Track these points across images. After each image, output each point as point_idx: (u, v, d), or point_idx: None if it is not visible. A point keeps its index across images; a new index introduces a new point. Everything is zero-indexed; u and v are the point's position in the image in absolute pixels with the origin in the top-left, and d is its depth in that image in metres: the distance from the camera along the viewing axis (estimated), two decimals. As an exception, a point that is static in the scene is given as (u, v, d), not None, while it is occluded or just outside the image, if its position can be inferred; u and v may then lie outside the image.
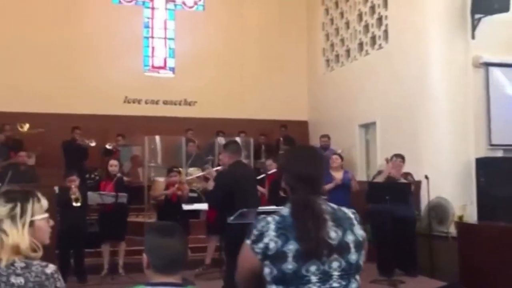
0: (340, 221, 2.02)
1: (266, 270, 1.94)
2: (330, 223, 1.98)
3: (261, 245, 1.94)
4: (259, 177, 7.72)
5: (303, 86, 13.16)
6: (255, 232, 1.97)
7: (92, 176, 9.88)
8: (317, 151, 2.31)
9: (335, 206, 2.08)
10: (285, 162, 2.16)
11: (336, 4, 12.21)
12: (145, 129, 11.11)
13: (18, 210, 1.93)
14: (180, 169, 8.47)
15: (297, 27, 13.19)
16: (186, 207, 6.82)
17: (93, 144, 10.20)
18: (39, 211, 2.00)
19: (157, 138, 10.70)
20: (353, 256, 2.00)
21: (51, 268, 1.95)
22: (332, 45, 12.42)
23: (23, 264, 1.89)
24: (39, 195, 2.07)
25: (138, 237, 8.29)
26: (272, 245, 1.92)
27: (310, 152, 2.24)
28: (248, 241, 1.98)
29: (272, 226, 1.95)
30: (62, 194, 6.69)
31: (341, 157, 7.98)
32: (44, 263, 1.95)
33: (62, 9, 11.66)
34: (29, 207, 1.96)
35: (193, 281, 2.29)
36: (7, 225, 1.89)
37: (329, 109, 12.04)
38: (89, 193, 6.82)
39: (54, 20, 11.58)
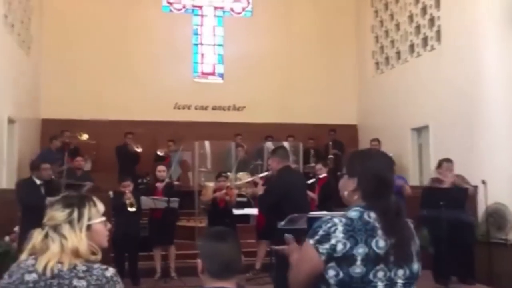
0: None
1: (331, 273, 1.90)
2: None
3: (327, 245, 1.90)
4: (308, 182, 7.67)
5: (352, 90, 13.00)
6: (320, 232, 1.92)
7: (144, 181, 10.13)
8: (388, 156, 2.23)
9: None
10: (362, 165, 2.08)
11: (386, 6, 12.01)
12: (195, 134, 11.27)
13: (75, 214, 1.98)
14: (228, 174, 8.53)
15: (346, 30, 13.06)
16: (236, 211, 6.86)
17: (139, 149, 10.43)
18: (96, 215, 2.05)
19: (207, 143, 10.82)
20: (415, 265, 1.99)
21: (111, 271, 1.99)
22: (381, 47, 12.21)
23: (84, 268, 1.94)
24: (95, 199, 2.12)
25: (189, 241, 8.43)
26: (340, 246, 1.88)
27: (382, 154, 2.20)
28: (311, 241, 1.93)
29: (340, 227, 1.91)
30: (117, 199, 6.86)
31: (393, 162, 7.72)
32: (104, 266, 1.99)
33: (118, 18, 12.02)
34: (86, 211, 2.01)
35: (244, 286, 2.27)
36: (65, 229, 1.95)
37: (379, 112, 11.83)
38: (143, 198, 6.96)
39: (110, 29, 11.95)
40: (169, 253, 7.40)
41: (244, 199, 8.54)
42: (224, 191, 7.27)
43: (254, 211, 7.03)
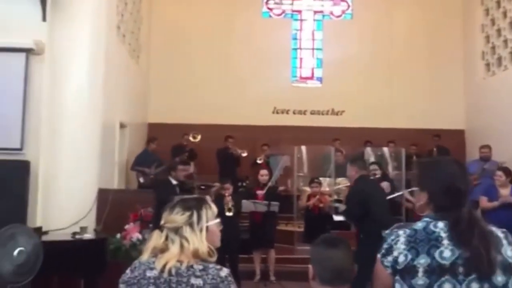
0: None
1: (397, 286, 1.88)
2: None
3: (390, 258, 1.91)
4: (410, 190, 7.42)
5: (459, 93, 12.37)
6: (385, 245, 1.95)
7: (244, 184, 10.34)
8: (460, 162, 2.14)
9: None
10: (431, 178, 2.02)
11: (498, 3, 11.28)
12: (293, 139, 11.34)
13: (195, 217, 2.07)
14: (321, 179, 8.47)
15: (452, 30, 12.46)
16: (336, 217, 6.78)
17: (244, 154, 10.68)
18: (211, 217, 2.14)
19: (303, 148, 10.82)
20: (499, 278, 1.84)
21: (225, 271, 2.06)
22: (493, 47, 11.48)
23: (201, 267, 2.02)
24: (209, 201, 2.21)
25: (287, 245, 8.48)
26: (401, 258, 1.87)
27: (455, 163, 2.08)
28: (379, 255, 1.95)
29: (402, 239, 1.91)
30: (217, 201, 7.06)
31: (506, 172, 7.09)
32: (218, 267, 2.07)
33: (219, 26, 12.43)
34: (204, 214, 2.10)
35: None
36: (186, 231, 2.05)
37: (489, 116, 11.12)
38: (243, 201, 7.11)
39: (211, 37, 12.39)
40: (269, 256, 7.48)
41: (344, 205, 8.41)
42: (317, 197, 7.22)
43: (355, 217, 6.89)
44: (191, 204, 2.11)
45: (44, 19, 6.90)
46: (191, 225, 2.06)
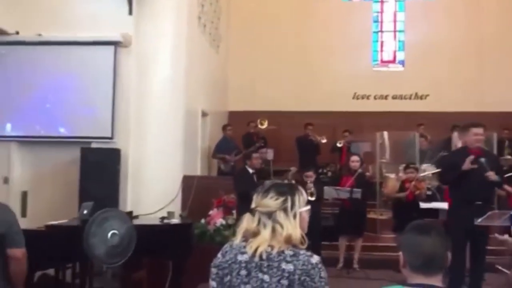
0: None
1: None
2: None
3: None
4: (506, 176, 7.03)
5: (557, 71, 11.48)
6: None
7: (325, 171, 10.26)
8: None
9: None
10: None
11: None
12: (374, 124, 11.05)
13: (289, 203, 2.07)
14: (420, 165, 8.19)
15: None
16: (423, 205, 6.56)
17: (324, 140, 10.57)
18: (303, 203, 2.13)
19: (385, 133, 10.52)
20: None
21: (315, 258, 2.05)
22: None
23: (291, 253, 2.02)
24: (301, 188, 2.20)
25: (370, 233, 8.33)
26: None
27: None
28: None
29: None
30: (299, 183, 7.06)
31: None
32: (309, 253, 2.06)
33: (297, 12, 12.34)
34: (297, 200, 2.09)
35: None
36: (280, 217, 2.05)
37: None
38: (326, 188, 7.06)
39: (289, 23, 12.33)
40: (356, 244, 7.40)
41: (429, 192, 8.12)
42: (413, 183, 7.00)
43: (443, 205, 6.62)
44: (285, 190, 2.11)
45: (130, 13, 7.22)
46: (285, 210, 2.05)
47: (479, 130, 5.31)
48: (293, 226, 2.03)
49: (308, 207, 2.15)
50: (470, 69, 11.84)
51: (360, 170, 7.34)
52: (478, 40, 11.88)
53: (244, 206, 6.43)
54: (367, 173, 7.46)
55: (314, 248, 7.01)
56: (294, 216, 2.05)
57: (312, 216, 6.83)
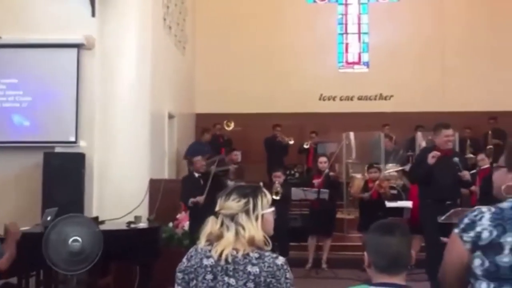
0: None
1: (477, 262, 1.82)
2: None
3: (471, 233, 1.84)
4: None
5: (514, 72, 11.86)
6: (465, 221, 1.88)
7: (292, 172, 10.34)
8: None
9: None
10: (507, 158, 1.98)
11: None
12: (340, 125, 11.20)
13: (251, 205, 2.08)
14: (380, 165, 8.32)
15: (506, 8, 11.91)
16: (389, 204, 6.68)
17: (291, 142, 10.66)
18: (266, 205, 2.13)
19: (351, 134, 10.68)
20: None
21: (281, 259, 2.06)
22: (551, 23, 10.92)
23: (257, 255, 2.03)
24: (265, 190, 2.21)
25: (338, 233, 8.43)
26: (485, 234, 1.81)
27: None
28: (456, 230, 1.89)
29: (487, 215, 1.85)
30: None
31: None
32: (274, 255, 2.07)
33: (263, 13, 12.36)
34: (259, 202, 2.10)
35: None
36: (242, 219, 2.05)
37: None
38: (293, 189, 7.10)
39: (256, 25, 12.35)
40: (325, 244, 7.46)
41: (395, 192, 8.28)
42: (377, 182, 7.11)
43: (407, 204, 6.78)
44: (247, 192, 2.12)
45: (93, 14, 7.11)
46: (247, 212, 2.06)
47: (449, 132, 5.46)
48: (255, 228, 2.03)
49: (272, 209, 2.16)
50: (432, 70, 12.10)
51: (327, 171, 7.41)
52: (441, 42, 12.15)
53: (194, 209, 6.53)
54: (331, 173, 7.51)
55: (282, 248, 7.10)
56: (257, 218, 2.06)
57: (279, 216, 6.82)
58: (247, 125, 11.58)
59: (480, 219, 1.86)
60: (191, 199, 6.73)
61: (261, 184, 7.53)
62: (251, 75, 12.24)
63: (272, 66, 12.28)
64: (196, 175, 7.06)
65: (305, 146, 10.72)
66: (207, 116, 11.74)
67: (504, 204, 1.89)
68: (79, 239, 4.32)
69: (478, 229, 1.84)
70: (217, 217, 2.10)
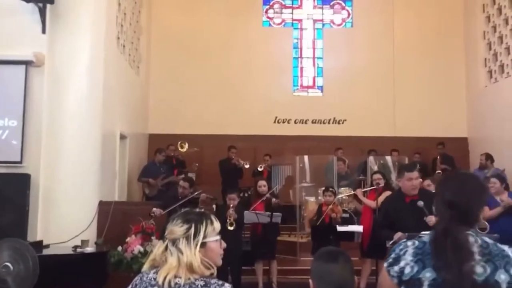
0: (493, 257, 1.89)
1: None
2: (477, 257, 1.86)
3: (396, 268, 1.92)
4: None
5: (462, 100, 12.41)
6: (392, 255, 1.96)
7: (246, 195, 10.32)
8: (475, 177, 2.17)
9: (489, 240, 1.96)
10: (436, 186, 2.14)
11: (499, 10, 11.32)
12: (295, 148, 11.34)
13: (192, 231, 2.07)
14: (337, 189, 8.45)
15: (454, 37, 12.51)
16: (340, 228, 6.77)
17: (247, 166, 10.68)
18: (211, 233, 2.13)
19: (305, 157, 10.81)
20: None
21: (227, 286, 2.06)
22: (495, 54, 11.51)
23: (202, 283, 2.02)
24: (213, 217, 2.21)
25: (291, 256, 8.46)
26: (407, 270, 1.89)
27: (464, 177, 2.13)
28: (385, 264, 1.98)
29: (410, 250, 1.93)
30: (220, 213, 7.06)
31: (500, 179, 6.78)
32: (220, 282, 2.07)
33: (219, 35, 12.46)
34: (203, 228, 2.10)
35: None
36: (182, 244, 2.05)
37: (492, 124, 11.12)
38: (246, 213, 7.09)
39: (212, 46, 12.42)
40: (271, 267, 7.46)
41: (347, 215, 8.41)
42: (330, 206, 7.21)
43: (358, 228, 6.90)
44: (192, 217, 2.11)
45: (43, 31, 6.97)
46: (187, 238, 2.06)
47: (413, 175, 4.99)
48: (193, 254, 2.03)
49: (218, 237, 2.15)
50: (383, 95, 12.47)
51: (267, 195, 7.44)
52: (392, 68, 12.56)
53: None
54: (275, 200, 7.55)
55: (234, 273, 7.01)
56: (196, 245, 2.05)
57: (233, 241, 6.79)
58: (202, 147, 11.53)
59: (404, 253, 1.93)
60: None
61: (214, 207, 7.54)
62: (206, 96, 12.28)
63: (227, 87, 12.36)
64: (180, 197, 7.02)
65: (259, 169, 10.78)
66: (161, 137, 11.65)
67: (427, 237, 1.95)
68: (10, 265, 4.13)
69: (402, 264, 1.91)
70: (164, 242, 2.09)
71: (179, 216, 2.13)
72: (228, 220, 6.67)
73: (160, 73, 12.33)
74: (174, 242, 2.05)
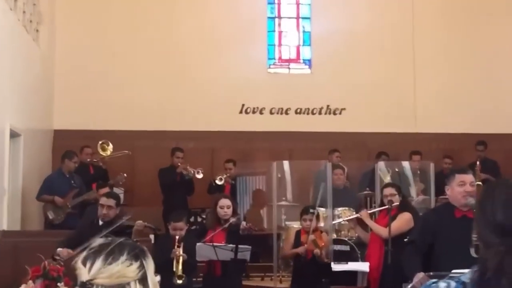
0: None
1: None
2: None
3: None
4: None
5: None
6: None
7: (199, 220, 10.31)
8: None
9: None
10: (478, 204, 2.18)
11: None
12: (271, 150, 11.42)
13: (144, 269, 2.08)
14: (320, 209, 8.52)
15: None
16: (336, 267, 6.85)
17: (199, 175, 10.65)
18: (152, 269, 2.16)
19: (286, 164, 10.85)
20: None
21: None
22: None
23: None
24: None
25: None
26: None
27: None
28: None
29: None
30: (161, 248, 7.04)
31: None
32: None
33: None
34: (150, 264, 2.12)
35: None
36: None
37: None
38: (199, 245, 7.08)
39: (145, 8, 12.41)
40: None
41: (347, 248, 8.51)
42: (312, 237, 7.26)
43: (363, 266, 6.99)
44: (137, 251, 2.12)
45: None
46: (142, 281, 2.08)
47: (467, 178, 5.13)
48: None
49: (158, 277, 2.19)
50: (399, 75, 12.65)
51: (233, 219, 7.40)
52: (410, 36, 12.67)
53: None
54: (245, 225, 7.52)
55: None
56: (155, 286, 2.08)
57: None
58: (133, 149, 11.50)
59: None
60: None
61: (152, 237, 7.51)
62: (140, 76, 12.23)
63: (171, 64, 12.30)
64: (101, 223, 6.91)
65: (218, 182, 10.77)
66: (72, 135, 11.57)
67: (466, 276, 2.06)
68: None
69: None
70: None
71: (119, 250, 2.11)
72: (175, 267, 6.60)
73: (70, 41, 12.19)
74: None
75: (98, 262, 2.08)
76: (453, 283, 2.06)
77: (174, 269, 6.63)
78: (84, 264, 2.11)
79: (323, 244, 7.36)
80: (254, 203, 11.06)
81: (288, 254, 7.95)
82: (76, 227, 7.63)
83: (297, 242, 7.59)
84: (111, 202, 7.14)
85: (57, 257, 6.76)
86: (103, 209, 7.09)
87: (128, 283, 2.05)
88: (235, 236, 7.34)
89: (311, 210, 7.74)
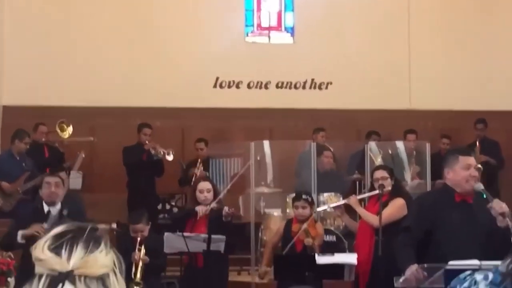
0: None
1: None
2: None
3: None
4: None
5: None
6: None
7: (168, 208, 10.29)
8: None
9: None
10: None
11: None
12: (248, 129, 11.43)
13: (115, 257, 2.06)
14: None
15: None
16: (321, 260, 6.86)
17: (170, 157, 10.63)
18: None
19: (266, 144, 10.86)
20: None
21: None
22: None
23: None
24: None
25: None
26: None
27: None
28: None
29: (482, 286, 2.11)
30: (123, 241, 7.04)
31: None
32: None
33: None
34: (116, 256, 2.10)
35: None
36: (113, 282, 2.02)
37: None
38: (168, 235, 7.07)
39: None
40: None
41: (333, 238, 8.54)
42: (304, 226, 7.29)
43: (351, 258, 7.01)
44: (106, 238, 2.10)
45: None
46: (116, 273, 2.05)
47: (471, 160, 5.28)
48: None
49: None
50: (392, 46, 12.70)
51: (214, 205, 7.41)
52: (405, 3, 12.67)
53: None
54: (228, 210, 7.50)
55: None
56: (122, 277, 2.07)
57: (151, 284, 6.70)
58: (93, 127, 11.49)
59: None
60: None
61: (114, 225, 7.50)
62: (100, 44, 12.19)
63: (134, 34, 12.32)
64: (46, 208, 6.83)
65: (196, 171, 10.72)
66: (23, 111, 11.52)
67: (503, 266, 2.13)
68: None
69: None
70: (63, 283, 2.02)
71: (94, 238, 2.07)
72: (133, 273, 6.59)
73: (21, 4, 12.08)
74: (104, 281, 2.02)
75: (78, 251, 2.04)
76: (490, 274, 2.11)
77: (132, 276, 6.64)
78: (56, 253, 2.05)
79: (317, 233, 7.39)
80: (230, 189, 11.03)
81: (274, 247, 7.92)
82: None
83: (287, 233, 7.60)
84: (58, 179, 7.03)
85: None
86: (51, 186, 6.96)
87: (108, 275, 2.05)
88: (216, 224, 7.35)
89: (304, 197, 7.73)
